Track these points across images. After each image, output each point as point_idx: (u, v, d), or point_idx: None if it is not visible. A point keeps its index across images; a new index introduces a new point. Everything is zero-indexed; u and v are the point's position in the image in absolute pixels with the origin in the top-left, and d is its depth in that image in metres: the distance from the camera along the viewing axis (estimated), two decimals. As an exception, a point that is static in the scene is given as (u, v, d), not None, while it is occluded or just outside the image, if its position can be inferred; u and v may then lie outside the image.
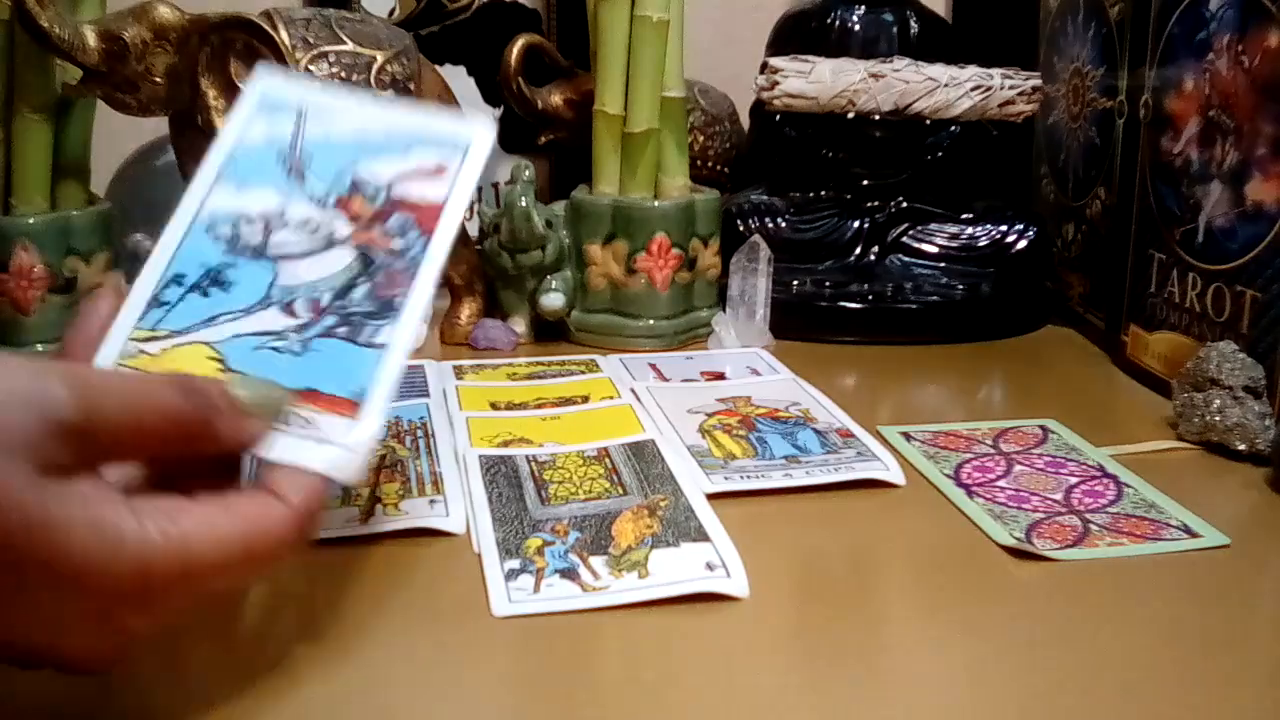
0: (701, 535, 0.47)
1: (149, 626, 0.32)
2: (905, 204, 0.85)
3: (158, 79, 0.67)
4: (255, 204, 0.40)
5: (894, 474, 0.55)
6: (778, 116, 0.86)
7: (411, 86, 0.72)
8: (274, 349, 0.37)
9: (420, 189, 0.41)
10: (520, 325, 0.79)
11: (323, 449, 0.35)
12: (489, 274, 0.80)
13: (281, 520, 0.33)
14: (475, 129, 0.43)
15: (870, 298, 0.81)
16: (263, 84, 0.43)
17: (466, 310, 0.79)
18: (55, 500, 0.29)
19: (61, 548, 0.29)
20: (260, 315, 0.38)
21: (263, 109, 0.43)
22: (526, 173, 0.75)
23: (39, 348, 0.69)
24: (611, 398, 0.65)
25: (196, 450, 0.34)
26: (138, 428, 0.32)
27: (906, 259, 0.84)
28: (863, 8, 0.89)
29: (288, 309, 0.38)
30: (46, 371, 0.31)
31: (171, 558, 0.31)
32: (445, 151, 0.42)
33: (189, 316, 0.38)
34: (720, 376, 0.70)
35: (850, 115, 0.82)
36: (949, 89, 0.81)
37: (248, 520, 0.32)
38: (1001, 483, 0.55)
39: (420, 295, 0.39)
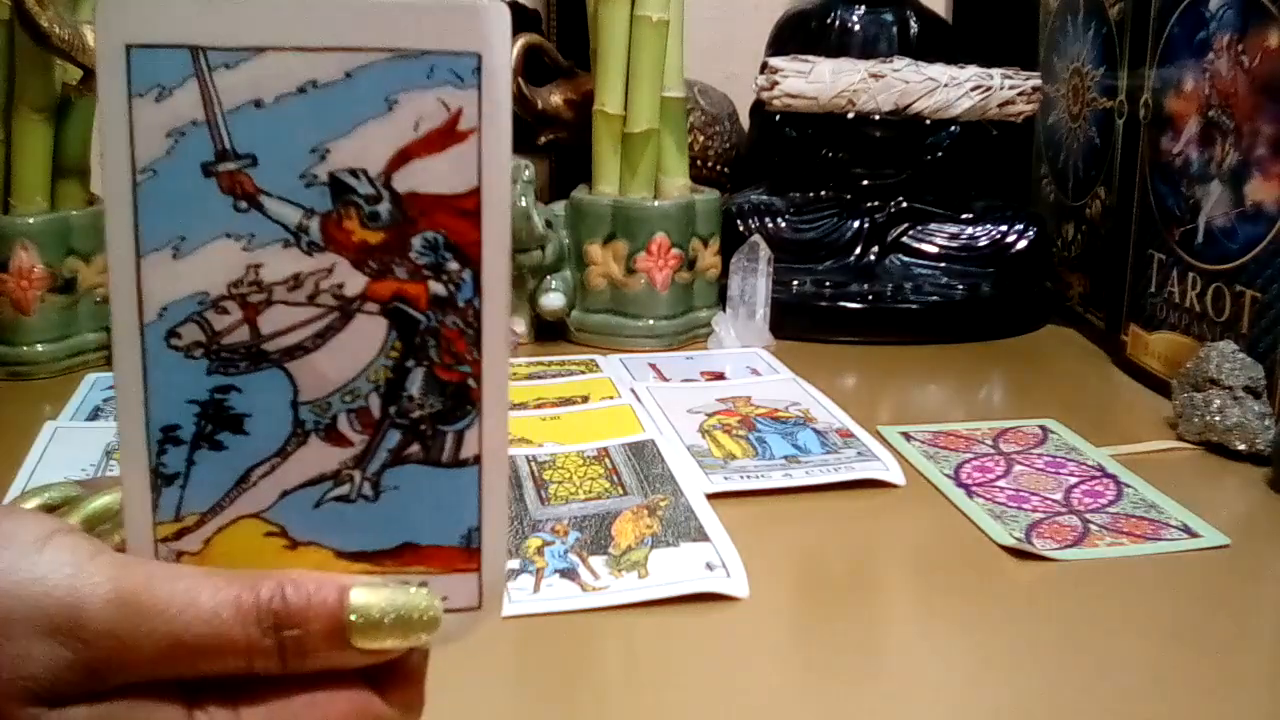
0: (701, 535, 0.47)
1: None
2: (905, 204, 0.85)
3: (157, 79, 0.66)
4: (212, 272, 0.27)
5: (894, 474, 0.55)
6: (778, 116, 0.86)
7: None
8: (341, 499, 0.28)
9: (435, 171, 0.27)
10: (520, 325, 0.79)
11: (447, 618, 0.28)
12: (489, 274, 0.80)
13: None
14: (482, 24, 0.27)
15: (870, 298, 0.81)
16: (114, 19, 0.27)
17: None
18: None
19: None
20: (302, 455, 0.28)
21: (139, 73, 0.26)
22: (526, 173, 0.75)
23: (39, 347, 0.69)
24: (611, 398, 0.65)
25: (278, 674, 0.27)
26: (185, 658, 0.26)
27: (906, 259, 0.84)
28: (863, 8, 0.89)
29: (331, 435, 0.28)
30: (94, 559, 0.26)
31: None
32: (447, 81, 0.27)
33: (214, 485, 0.28)
34: (720, 376, 0.70)
35: (850, 115, 0.82)
36: (949, 89, 0.81)
37: (331, 718, 0.27)
38: (1001, 483, 0.55)
39: (496, 366, 0.28)
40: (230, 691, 0.26)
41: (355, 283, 0.27)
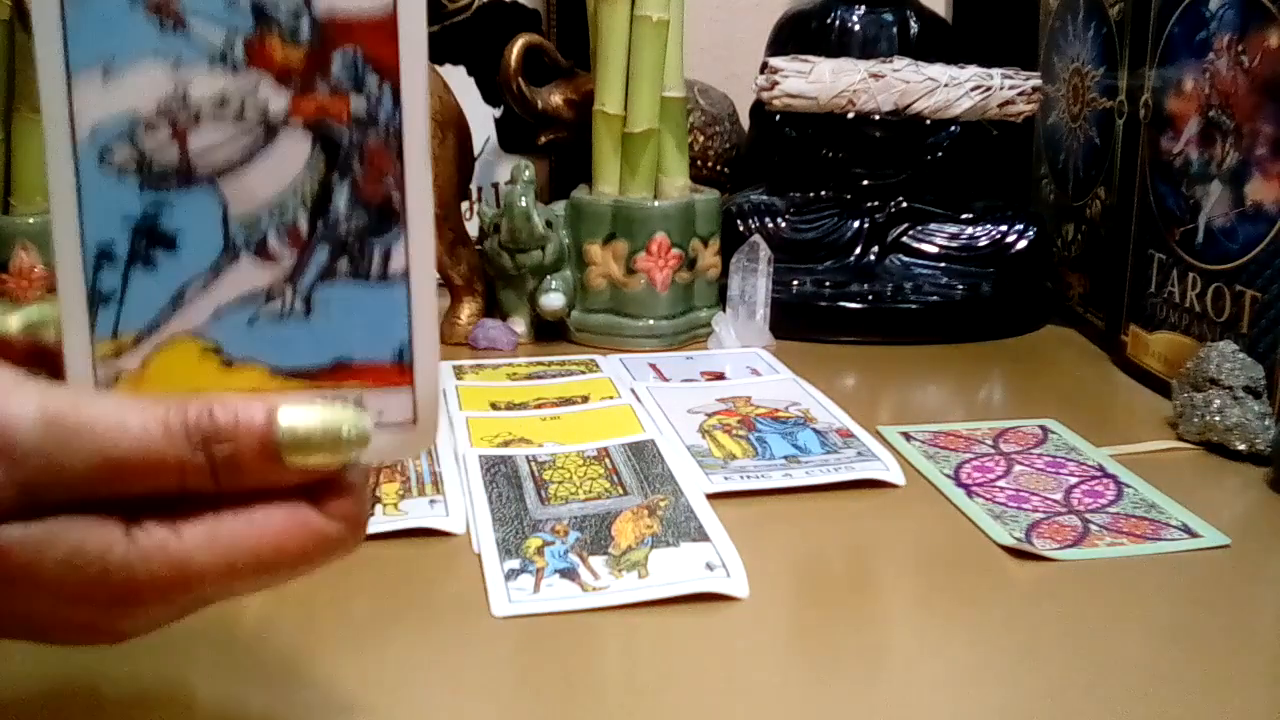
0: (701, 535, 0.47)
1: (148, 627, 0.29)
2: (905, 204, 0.85)
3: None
4: (141, 92, 0.28)
5: (894, 474, 0.55)
6: (778, 116, 0.86)
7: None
8: (273, 316, 0.29)
9: None
10: (520, 325, 0.79)
11: (380, 435, 0.28)
12: (489, 274, 0.80)
13: (317, 536, 0.28)
14: None
15: (870, 298, 0.81)
16: None
17: (466, 310, 0.79)
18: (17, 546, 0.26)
19: (26, 587, 0.26)
20: (234, 272, 0.29)
21: None
22: (526, 173, 0.75)
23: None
24: (611, 398, 0.65)
25: (212, 492, 0.27)
26: (115, 476, 0.26)
27: (906, 259, 0.84)
28: (863, 8, 0.89)
29: (262, 251, 0.29)
30: (20, 383, 0.27)
31: (169, 574, 0.27)
32: None
33: (149, 304, 0.29)
34: (720, 376, 0.70)
35: (850, 115, 0.82)
36: (949, 89, 0.81)
37: (273, 534, 0.27)
38: (1001, 483, 0.55)
39: (418, 180, 0.29)
40: (170, 512, 0.27)
41: (279, 101, 0.28)
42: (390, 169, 0.29)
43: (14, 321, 0.30)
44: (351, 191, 0.29)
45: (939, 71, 0.81)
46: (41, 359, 0.30)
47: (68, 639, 0.29)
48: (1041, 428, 0.62)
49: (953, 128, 0.86)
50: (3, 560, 0.26)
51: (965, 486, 0.54)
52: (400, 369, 0.29)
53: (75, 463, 0.26)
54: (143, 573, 0.27)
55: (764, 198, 0.85)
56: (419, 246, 0.29)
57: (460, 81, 0.96)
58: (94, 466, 0.26)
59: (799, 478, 0.54)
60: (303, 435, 0.27)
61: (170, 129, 0.28)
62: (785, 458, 0.56)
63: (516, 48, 0.81)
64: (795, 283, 0.82)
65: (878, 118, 0.82)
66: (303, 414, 0.27)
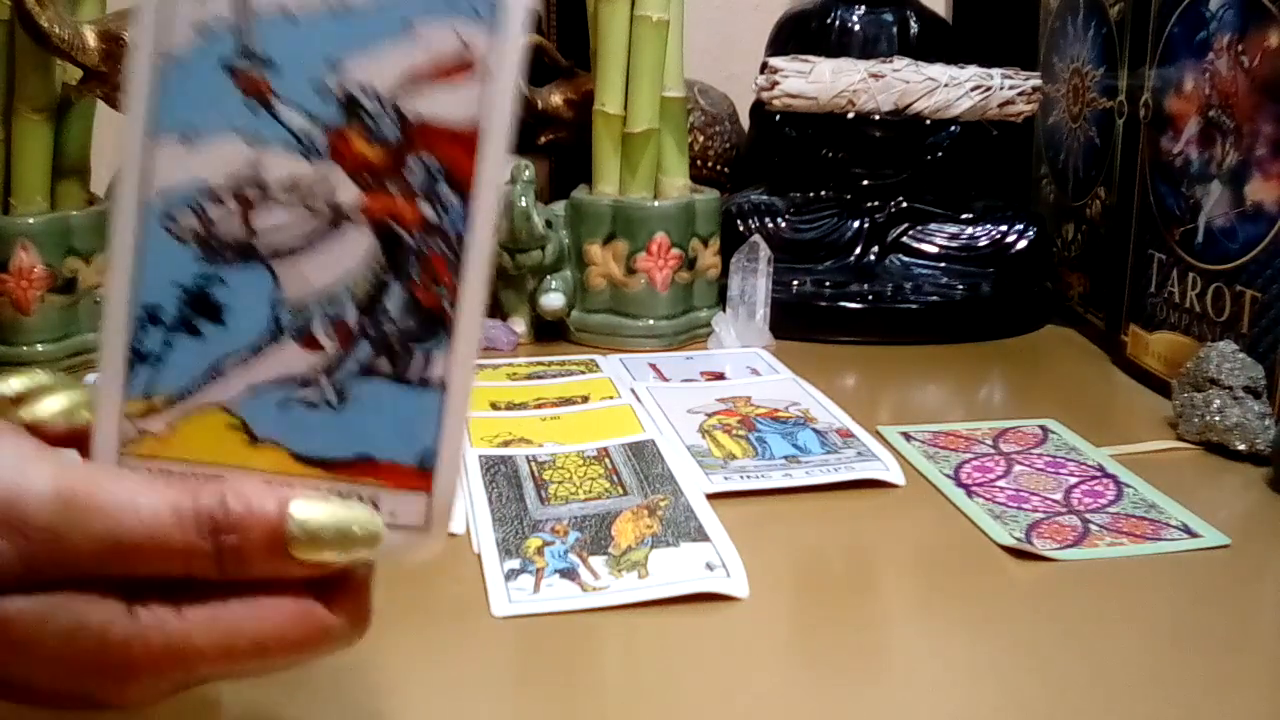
0: (701, 535, 0.47)
1: (144, 701, 0.29)
2: (905, 204, 0.85)
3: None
4: (216, 165, 0.28)
5: (894, 474, 0.55)
6: (778, 116, 0.86)
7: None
8: (305, 403, 0.29)
9: (441, 102, 0.28)
10: (520, 325, 0.79)
11: (390, 536, 0.28)
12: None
13: (320, 630, 0.28)
14: None
15: (870, 298, 0.81)
16: None
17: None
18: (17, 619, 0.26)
19: (27, 657, 0.27)
20: (275, 354, 0.29)
21: None
22: (526, 173, 0.75)
23: (40, 347, 0.69)
24: (611, 398, 0.65)
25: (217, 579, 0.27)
26: (122, 557, 0.26)
27: (906, 259, 0.84)
28: (863, 8, 0.89)
29: (305, 338, 0.28)
30: (37, 458, 0.27)
31: (168, 653, 0.27)
32: (464, 13, 0.28)
33: (186, 370, 0.29)
34: (720, 376, 0.70)
35: (850, 115, 0.82)
36: (949, 89, 0.81)
37: (276, 624, 0.27)
38: (1001, 483, 0.55)
39: (473, 296, 0.28)
40: (175, 593, 0.27)
41: (349, 194, 0.28)
42: (446, 279, 0.28)
43: (50, 408, 0.30)
44: (405, 294, 0.28)
45: (939, 71, 0.81)
46: (72, 441, 0.31)
47: (63, 706, 0.29)
48: (1041, 428, 0.62)
49: (953, 128, 0.86)
50: (5, 630, 0.26)
51: (965, 486, 0.54)
52: (421, 474, 0.29)
53: (84, 541, 0.26)
54: (141, 650, 0.27)
55: (764, 198, 0.85)
56: (462, 357, 0.29)
57: (460, 81, 0.96)
58: (102, 547, 0.26)
59: (799, 478, 0.54)
60: (314, 531, 0.27)
61: (238, 205, 0.28)
62: (785, 458, 0.56)
63: (516, 48, 0.81)
64: (795, 283, 0.82)
65: (878, 118, 0.82)
66: (315, 510, 0.27)
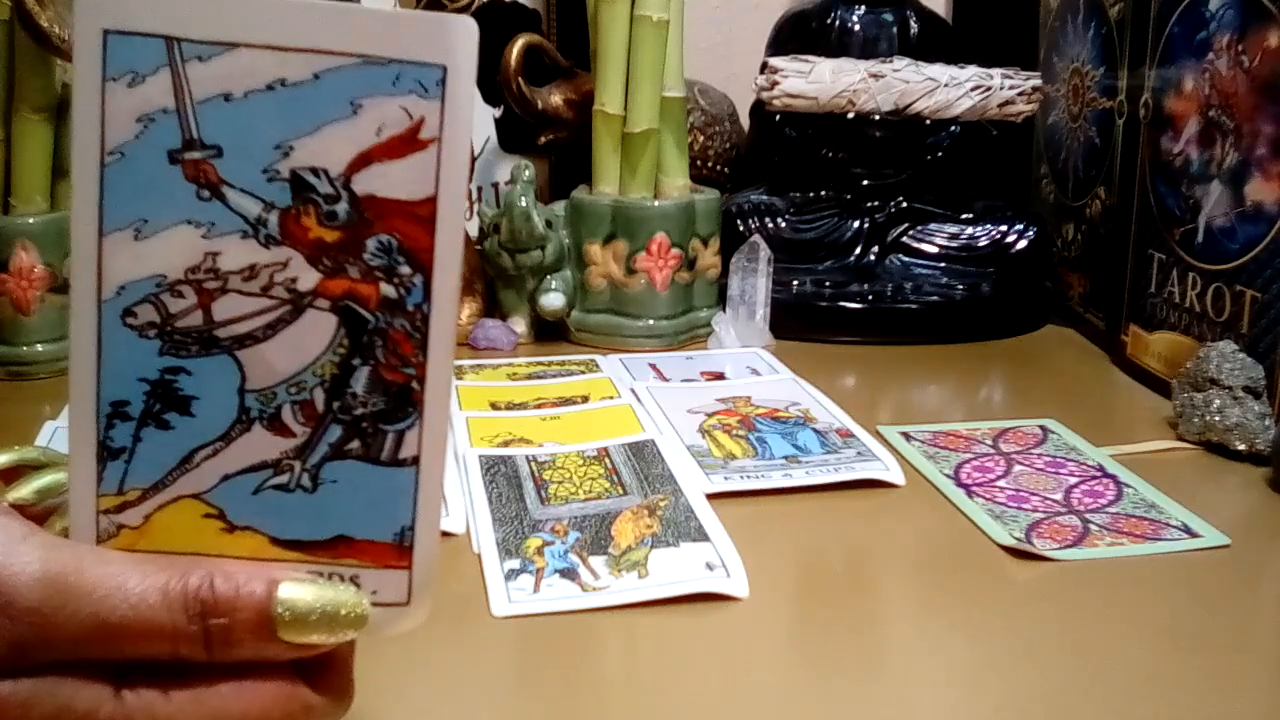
0: (701, 535, 0.47)
1: None
2: (905, 204, 0.85)
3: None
4: (172, 256, 0.28)
5: (894, 474, 0.55)
6: (778, 116, 0.86)
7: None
8: (279, 488, 0.29)
9: (394, 177, 0.28)
10: (520, 325, 0.79)
11: (376, 613, 0.28)
12: (489, 274, 0.80)
13: (303, 709, 0.28)
14: (449, 37, 0.27)
15: (870, 298, 0.81)
16: (93, 4, 0.27)
17: (466, 310, 0.79)
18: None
19: None
20: (245, 442, 0.28)
21: (115, 58, 0.27)
22: (526, 173, 0.75)
23: (39, 347, 0.69)
24: (611, 398, 0.65)
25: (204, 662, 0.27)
26: (110, 640, 0.26)
27: (906, 259, 0.84)
28: (863, 8, 0.89)
29: (275, 424, 0.28)
30: (25, 539, 0.27)
31: None
32: (412, 90, 0.27)
33: (158, 463, 0.28)
34: (720, 376, 0.70)
35: (850, 115, 0.82)
36: (949, 89, 0.81)
37: (260, 705, 0.27)
38: (1001, 483, 0.55)
39: (440, 372, 0.28)
40: (160, 675, 0.27)
41: (309, 278, 0.28)
42: (412, 357, 0.28)
43: (27, 491, 0.30)
44: (371, 375, 0.28)
45: (939, 71, 0.81)
46: (48, 519, 0.31)
47: None
48: (1041, 428, 0.62)
49: (953, 128, 0.86)
50: None
51: (965, 486, 0.54)
52: (399, 550, 0.29)
53: (71, 624, 0.26)
54: None
55: (764, 198, 0.85)
56: (433, 434, 0.28)
57: (460, 81, 0.96)
58: (89, 629, 0.26)
59: (799, 478, 0.54)
60: (301, 614, 0.27)
61: (196, 295, 0.28)
62: (785, 458, 0.56)
63: (516, 48, 0.81)
64: (795, 283, 0.82)
65: (878, 118, 0.82)
66: (303, 592, 0.27)
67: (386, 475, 0.29)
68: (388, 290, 0.28)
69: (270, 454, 0.28)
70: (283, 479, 0.29)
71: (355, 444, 0.28)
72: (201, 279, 0.28)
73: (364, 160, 0.27)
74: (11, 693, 0.26)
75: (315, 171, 0.27)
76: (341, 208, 0.27)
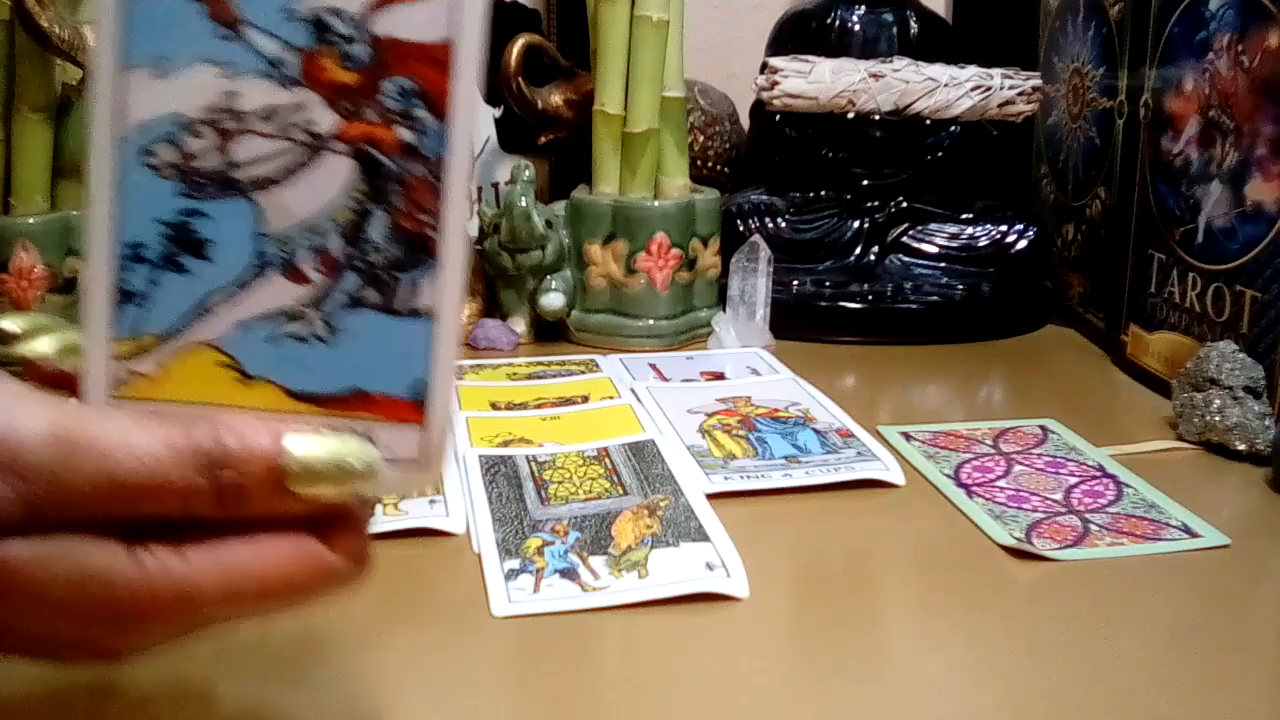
0: (701, 535, 0.47)
1: (147, 647, 0.29)
2: (905, 204, 0.85)
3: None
4: (191, 95, 0.28)
5: (894, 474, 0.55)
6: (778, 116, 0.86)
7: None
8: (295, 337, 0.28)
9: (412, 19, 0.27)
10: (520, 325, 0.79)
11: (388, 470, 0.28)
12: (489, 274, 0.80)
13: (322, 568, 0.28)
14: None
15: (870, 298, 0.81)
16: None
17: (466, 310, 0.79)
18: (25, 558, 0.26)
19: (29, 603, 0.26)
20: (260, 287, 0.28)
21: None
22: (526, 173, 0.75)
23: (39, 348, 0.69)
24: (611, 398, 0.65)
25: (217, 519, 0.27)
26: (120, 496, 0.26)
27: (906, 259, 0.84)
28: (863, 8, 0.89)
29: (290, 270, 0.28)
30: (30, 400, 0.27)
31: (172, 596, 0.27)
32: None
33: (173, 308, 0.28)
34: (720, 376, 0.70)
35: (850, 115, 0.82)
36: (949, 89, 0.81)
37: (278, 564, 0.27)
38: (1001, 483, 0.55)
39: (456, 220, 0.28)
40: (176, 534, 0.27)
41: (327, 121, 0.28)
42: (429, 204, 0.28)
43: (47, 345, 0.30)
44: (388, 222, 0.28)
45: (939, 71, 0.81)
46: (65, 384, 0.30)
47: (68, 657, 0.29)
48: (1041, 428, 0.62)
49: (953, 128, 0.86)
50: (7, 575, 0.26)
51: (965, 486, 0.54)
52: (414, 406, 0.28)
53: (82, 481, 0.26)
54: (145, 594, 0.27)
55: (764, 198, 0.85)
56: (449, 285, 0.28)
57: (460, 81, 0.96)
58: (99, 486, 0.26)
59: (799, 478, 0.54)
60: (310, 465, 0.27)
61: (215, 136, 0.28)
62: (785, 458, 0.56)
63: (516, 48, 0.81)
64: (795, 283, 0.82)
65: (878, 118, 0.82)
66: (311, 444, 0.27)
67: (403, 325, 0.28)
68: (405, 135, 0.28)
69: (286, 301, 0.28)
70: (298, 327, 0.28)
71: (372, 292, 0.28)
72: (220, 119, 0.28)
73: (382, 1, 0.27)
74: (27, 553, 0.26)
75: (334, 11, 0.27)
76: (360, 49, 0.27)
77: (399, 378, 0.28)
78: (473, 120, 0.28)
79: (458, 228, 0.28)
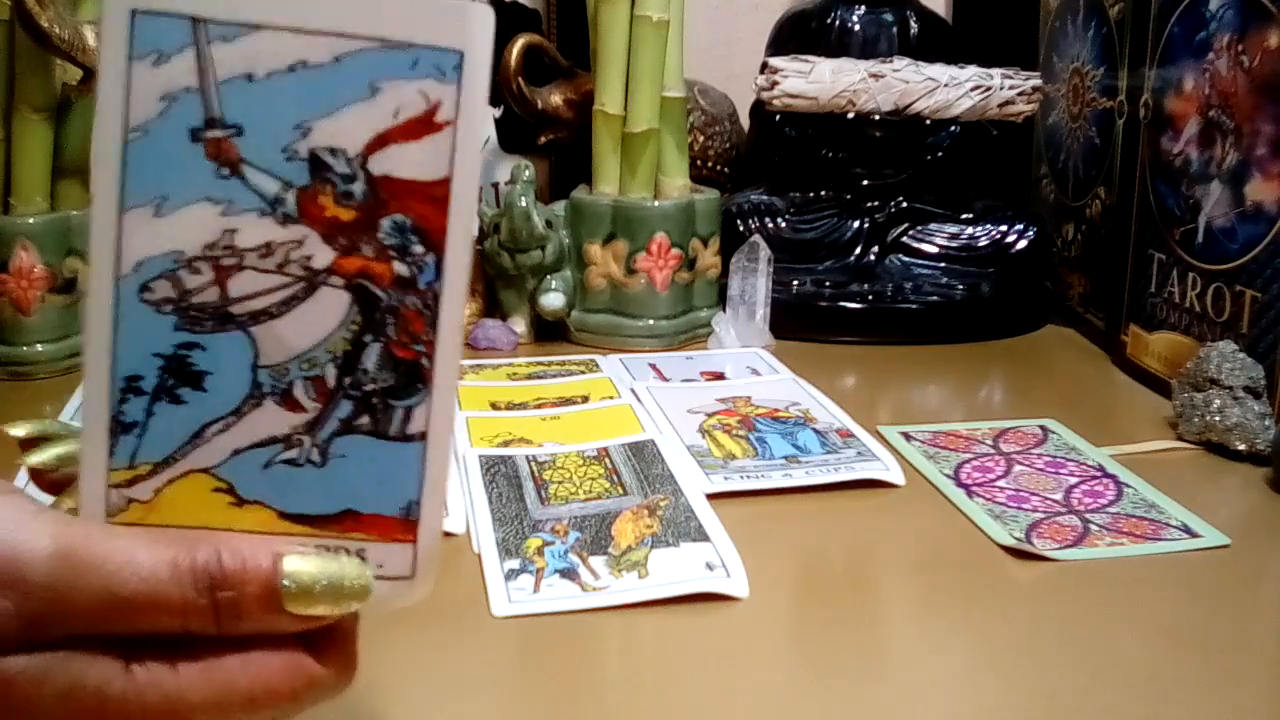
0: (701, 535, 0.47)
1: None
2: (905, 204, 0.85)
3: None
4: (190, 233, 0.28)
5: (894, 474, 0.55)
6: (778, 116, 0.86)
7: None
8: (289, 463, 0.29)
9: (410, 158, 0.28)
10: (520, 325, 0.79)
11: (380, 586, 0.29)
12: (489, 274, 0.80)
13: (309, 681, 0.28)
14: (467, 23, 0.28)
15: (870, 298, 0.81)
16: None
17: (466, 310, 0.79)
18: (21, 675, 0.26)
19: (24, 717, 0.27)
20: (256, 416, 0.29)
21: (141, 37, 0.27)
22: (526, 173, 0.75)
23: (40, 348, 0.69)
24: (611, 398, 0.65)
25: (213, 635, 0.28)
26: (121, 613, 0.27)
27: (906, 259, 0.84)
28: (863, 8, 0.89)
29: (286, 400, 0.29)
30: (35, 515, 0.27)
31: (163, 710, 0.27)
32: (430, 74, 0.28)
33: (169, 438, 0.29)
34: (720, 376, 0.70)
35: (850, 115, 0.82)
36: (949, 89, 0.81)
37: (267, 677, 0.28)
38: (1001, 483, 0.55)
39: (449, 349, 0.29)
40: (169, 649, 0.27)
41: (324, 256, 0.28)
42: (423, 334, 0.29)
43: (49, 455, 0.31)
44: (382, 351, 0.29)
45: (939, 71, 0.81)
46: (68, 484, 0.31)
47: None
48: (1041, 428, 0.62)
49: (953, 128, 0.86)
50: (4, 691, 0.26)
51: (965, 486, 0.54)
52: (406, 525, 0.29)
53: (83, 598, 0.26)
54: (136, 707, 0.27)
55: (764, 198, 0.85)
56: (441, 410, 0.29)
57: (460, 81, 0.96)
58: (101, 603, 0.26)
59: (799, 478, 0.54)
60: (306, 586, 0.27)
61: (213, 272, 0.28)
62: (785, 458, 0.56)
63: (516, 48, 0.81)
64: (795, 283, 0.82)
65: (878, 118, 0.82)
66: (307, 565, 0.28)
67: (395, 450, 0.29)
68: (401, 269, 0.28)
69: (281, 429, 0.29)
70: (293, 453, 0.29)
71: (365, 419, 0.29)
72: (219, 255, 0.28)
73: (381, 141, 0.28)
74: (25, 668, 0.26)
75: (333, 151, 0.28)
76: (358, 187, 0.28)
77: (391, 499, 0.29)
78: (467, 249, 0.29)
79: (450, 356, 0.29)
